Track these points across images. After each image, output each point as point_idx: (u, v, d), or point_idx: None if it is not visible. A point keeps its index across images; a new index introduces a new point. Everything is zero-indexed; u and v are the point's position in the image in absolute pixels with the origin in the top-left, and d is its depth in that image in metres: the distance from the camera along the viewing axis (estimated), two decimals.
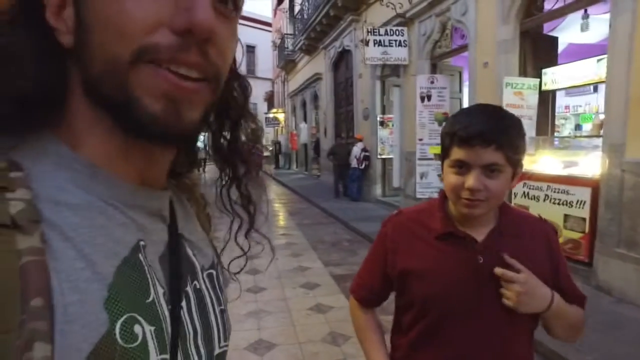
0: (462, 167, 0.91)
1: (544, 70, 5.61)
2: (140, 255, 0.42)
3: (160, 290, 0.43)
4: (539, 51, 5.65)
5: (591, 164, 4.58)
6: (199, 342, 0.48)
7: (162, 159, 0.47)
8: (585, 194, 4.18)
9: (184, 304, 0.47)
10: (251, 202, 0.59)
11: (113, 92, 0.38)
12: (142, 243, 0.43)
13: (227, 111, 0.54)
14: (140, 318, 0.39)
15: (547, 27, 6.02)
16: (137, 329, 0.38)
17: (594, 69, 5.33)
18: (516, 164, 0.93)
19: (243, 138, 0.57)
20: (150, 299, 0.41)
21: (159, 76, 0.38)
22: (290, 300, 4.27)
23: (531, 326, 1.03)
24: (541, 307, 0.95)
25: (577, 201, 4.30)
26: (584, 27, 6.06)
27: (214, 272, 0.56)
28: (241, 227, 0.61)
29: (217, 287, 0.56)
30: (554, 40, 6.03)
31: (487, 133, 0.87)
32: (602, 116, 5.66)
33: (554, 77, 5.60)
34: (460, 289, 0.98)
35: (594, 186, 4.15)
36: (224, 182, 0.58)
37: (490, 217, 1.01)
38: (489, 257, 0.96)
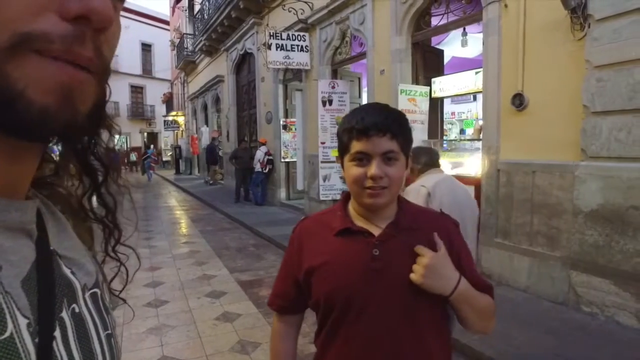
0: (362, 158, 0.97)
1: (433, 80, 6.14)
2: None
3: (24, 321, 0.35)
4: (428, 62, 6.17)
5: (474, 164, 5.13)
6: None
7: (27, 162, 0.40)
8: (469, 191, 4.65)
9: (57, 333, 0.39)
10: (110, 211, 0.55)
11: None
12: None
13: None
14: None
15: (434, 41, 6.63)
16: None
17: (473, 80, 5.96)
18: (407, 152, 1.02)
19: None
20: (7, 334, 0.33)
21: (52, 66, 0.32)
22: (195, 311, 4.06)
23: (436, 331, 1.02)
24: (446, 288, 0.96)
25: None
26: (464, 43, 6.83)
27: (98, 291, 0.49)
28: (109, 238, 0.56)
29: (103, 308, 0.49)
30: (441, 52, 6.66)
31: (382, 123, 0.96)
32: (481, 122, 6.35)
33: (441, 86, 6.16)
34: (354, 282, 0.99)
35: (477, 184, 4.64)
36: (85, 190, 0.52)
37: (390, 213, 1.04)
38: (384, 250, 0.99)
